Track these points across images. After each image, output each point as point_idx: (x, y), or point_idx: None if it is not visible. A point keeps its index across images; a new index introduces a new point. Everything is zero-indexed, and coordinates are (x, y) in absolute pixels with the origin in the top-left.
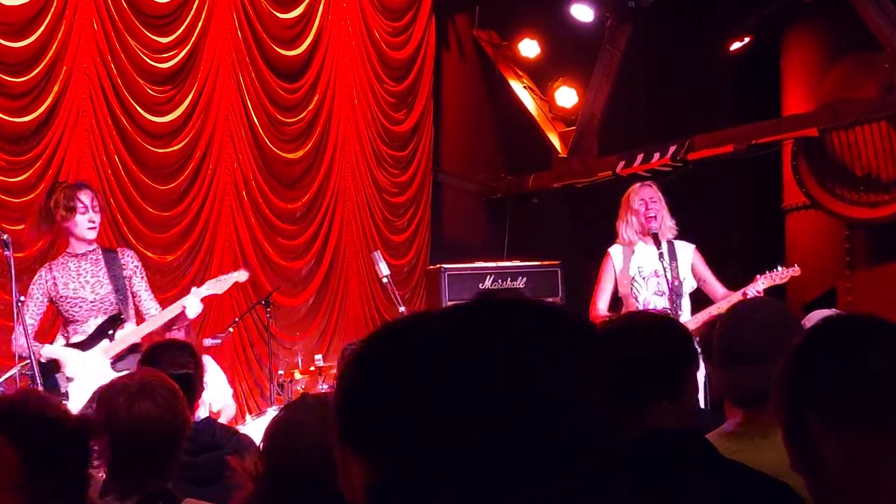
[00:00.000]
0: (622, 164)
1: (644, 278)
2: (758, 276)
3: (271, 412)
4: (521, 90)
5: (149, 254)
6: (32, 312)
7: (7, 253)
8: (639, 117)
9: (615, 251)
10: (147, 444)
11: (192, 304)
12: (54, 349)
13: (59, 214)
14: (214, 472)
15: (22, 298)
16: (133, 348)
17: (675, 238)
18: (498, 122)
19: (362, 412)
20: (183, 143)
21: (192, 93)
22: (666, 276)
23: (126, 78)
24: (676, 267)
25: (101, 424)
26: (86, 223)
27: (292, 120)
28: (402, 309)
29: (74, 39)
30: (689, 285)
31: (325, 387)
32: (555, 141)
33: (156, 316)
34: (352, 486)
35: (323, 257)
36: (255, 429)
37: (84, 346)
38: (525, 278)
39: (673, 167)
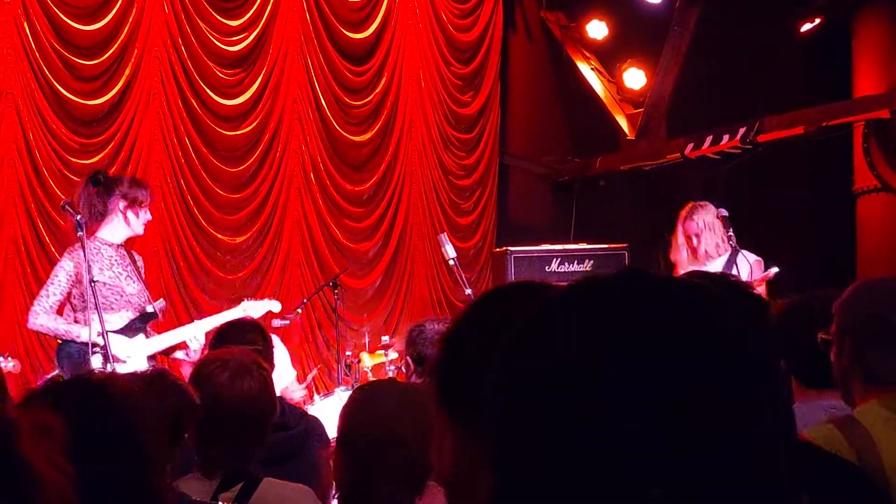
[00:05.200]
0: (691, 146)
1: None
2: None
3: (339, 392)
4: (588, 72)
5: (219, 235)
6: (54, 292)
7: (80, 234)
8: (707, 99)
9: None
10: (246, 421)
11: (191, 334)
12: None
13: (121, 202)
14: (285, 451)
15: (96, 279)
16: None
17: (740, 248)
18: (565, 105)
19: (463, 379)
20: (252, 125)
21: (262, 76)
22: None
23: (196, 61)
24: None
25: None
26: (144, 220)
27: (360, 102)
28: (468, 291)
29: (145, 23)
30: None
31: (392, 369)
32: (622, 123)
33: (166, 334)
34: (442, 450)
35: (390, 239)
36: (322, 409)
37: (125, 334)
38: (592, 261)
39: (742, 149)
